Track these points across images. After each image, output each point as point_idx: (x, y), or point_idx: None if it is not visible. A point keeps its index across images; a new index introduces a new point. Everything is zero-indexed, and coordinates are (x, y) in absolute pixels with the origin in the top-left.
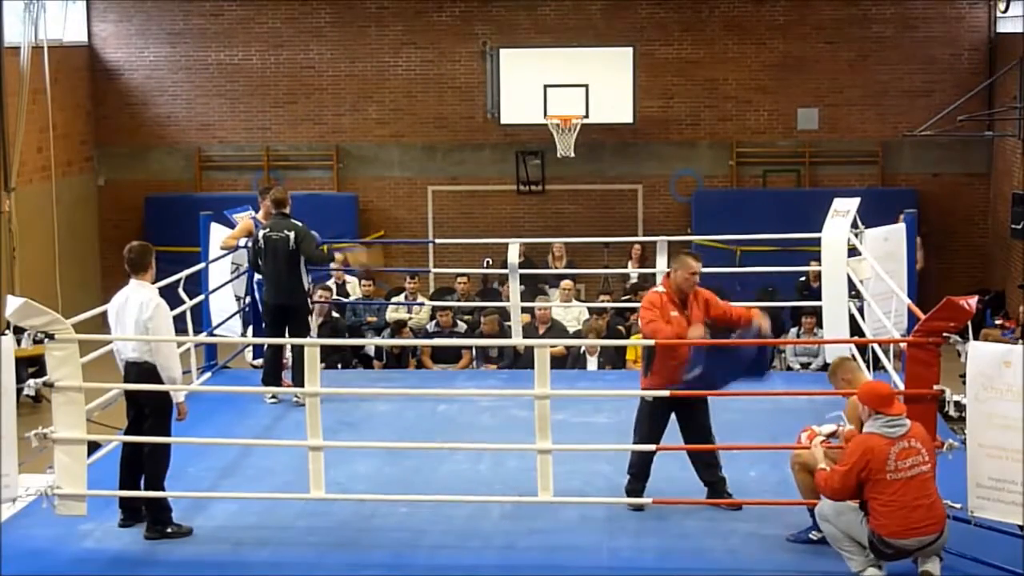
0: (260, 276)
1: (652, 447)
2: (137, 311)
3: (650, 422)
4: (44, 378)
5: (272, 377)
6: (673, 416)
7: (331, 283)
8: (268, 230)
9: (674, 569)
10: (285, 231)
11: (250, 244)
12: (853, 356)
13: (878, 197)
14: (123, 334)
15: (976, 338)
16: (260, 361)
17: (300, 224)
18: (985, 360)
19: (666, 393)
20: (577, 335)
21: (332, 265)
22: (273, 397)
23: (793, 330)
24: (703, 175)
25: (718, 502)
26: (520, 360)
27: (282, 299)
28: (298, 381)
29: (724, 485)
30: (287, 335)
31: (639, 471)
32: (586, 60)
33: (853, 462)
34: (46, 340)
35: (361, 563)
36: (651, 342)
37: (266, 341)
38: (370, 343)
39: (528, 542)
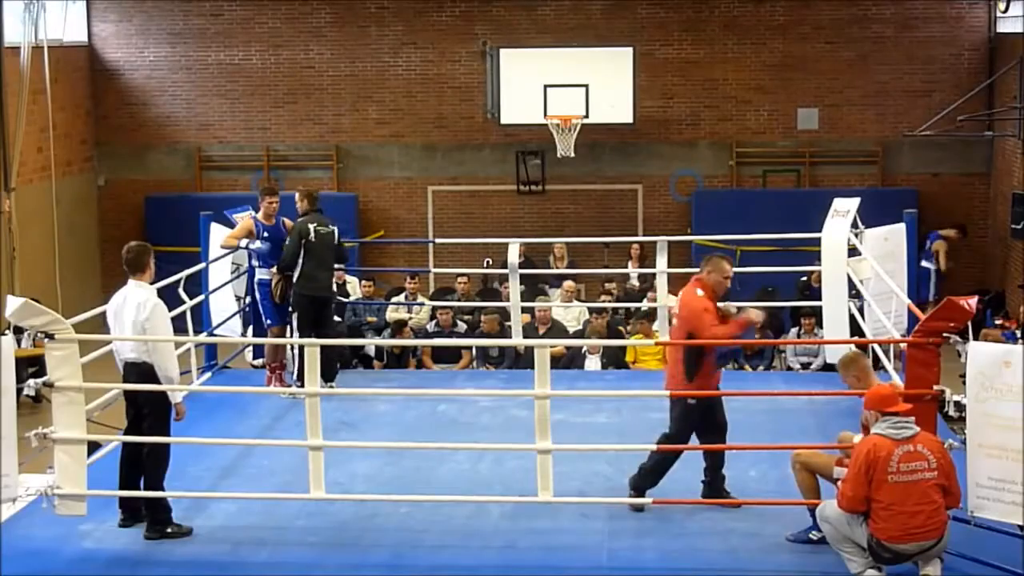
0: (280, 267)
1: (646, 447)
2: (134, 312)
3: (690, 425)
4: (44, 378)
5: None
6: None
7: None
8: (316, 224)
9: (674, 569)
10: (329, 226)
11: (295, 238)
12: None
13: (878, 197)
14: (121, 334)
15: (976, 338)
16: (260, 361)
17: (332, 220)
18: (985, 360)
19: (666, 394)
20: (578, 335)
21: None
22: (292, 395)
23: (793, 330)
24: (703, 175)
25: (716, 502)
26: (520, 360)
27: (326, 291)
28: (328, 375)
29: (723, 483)
30: (318, 328)
31: (662, 472)
32: (586, 60)
33: (859, 465)
34: (46, 340)
35: (361, 563)
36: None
37: (268, 341)
38: (370, 343)
39: (528, 542)
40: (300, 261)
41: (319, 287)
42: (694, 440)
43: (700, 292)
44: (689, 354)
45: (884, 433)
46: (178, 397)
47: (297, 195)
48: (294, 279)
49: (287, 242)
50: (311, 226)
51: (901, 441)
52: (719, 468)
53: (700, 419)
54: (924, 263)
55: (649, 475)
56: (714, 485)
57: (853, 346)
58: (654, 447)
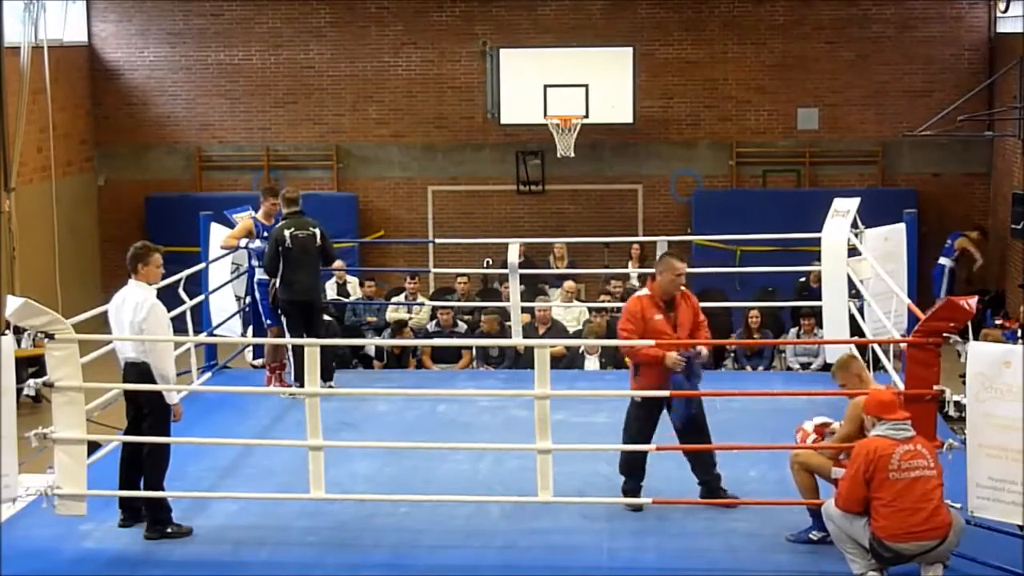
0: (265, 274)
1: (645, 447)
2: (132, 312)
3: (639, 422)
4: (44, 378)
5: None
6: (667, 416)
7: (332, 283)
8: (293, 229)
9: (674, 569)
10: (309, 228)
11: (272, 245)
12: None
13: (878, 197)
14: (121, 335)
15: (976, 338)
16: (260, 361)
17: (317, 220)
18: (985, 360)
19: (665, 393)
20: (577, 335)
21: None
22: (292, 395)
23: (793, 330)
24: (703, 175)
25: (715, 502)
26: (520, 360)
27: (311, 296)
28: (326, 374)
29: (719, 482)
30: (307, 332)
31: (632, 470)
32: (586, 60)
33: (857, 465)
34: (46, 340)
35: (361, 563)
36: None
37: (268, 341)
38: (370, 343)
39: (528, 542)
40: (280, 267)
41: (300, 291)
42: (672, 439)
43: (642, 292)
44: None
45: (884, 434)
46: (175, 398)
47: (280, 198)
48: (276, 285)
49: (266, 249)
50: (287, 232)
51: (902, 441)
52: (708, 467)
53: (647, 417)
54: (942, 259)
55: (628, 477)
56: (710, 485)
57: (850, 348)
58: (652, 447)
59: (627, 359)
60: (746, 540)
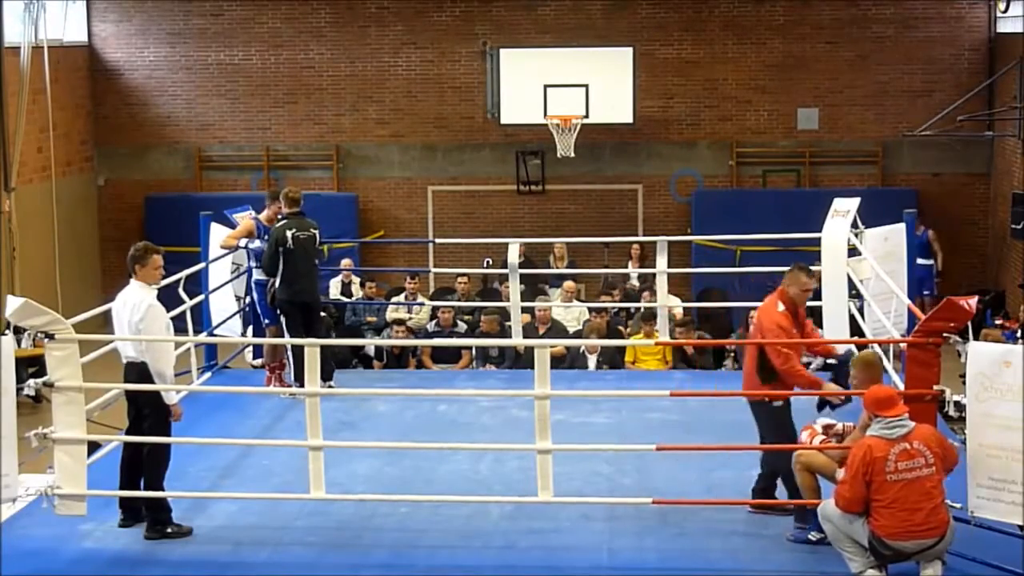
0: (263, 274)
1: (786, 447)
2: (130, 313)
3: (789, 420)
4: (44, 378)
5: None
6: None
7: (337, 281)
8: (295, 230)
9: (674, 569)
10: (311, 229)
11: (272, 245)
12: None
13: (878, 197)
14: (121, 334)
15: (976, 338)
16: (260, 361)
17: (316, 222)
18: (985, 360)
19: (665, 394)
20: (577, 335)
21: (343, 263)
22: (292, 395)
23: None
24: (703, 175)
25: (720, 501)
26: (520, 360)
27: (311, 297)
28: (325, 374)
29: (772, 494)
30: (307, 332)
31: (783, 477)
32: (586, 60)
33: (856, 467)
34: (46, 340)
35: (361, 563)
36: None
37: (268, 341)
38: (370, 343)
39: (528, 542)
40: (280, 267)
41: (300, 292)
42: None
43: (781, 307)
44: (762, 360)
45: (878, 434)
46: (173, 398)
47: (281, 197)
48: (276, 285)
49: (265, 248)
50: (288, 232)
51: (896, 440)
52: (776, 476)
53: (790, 419)
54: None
55: (780, 477)
56: (765, 494)
57: (874, 347)
58: (652, 447)
59: (775, 367)
60: (746, 540)
